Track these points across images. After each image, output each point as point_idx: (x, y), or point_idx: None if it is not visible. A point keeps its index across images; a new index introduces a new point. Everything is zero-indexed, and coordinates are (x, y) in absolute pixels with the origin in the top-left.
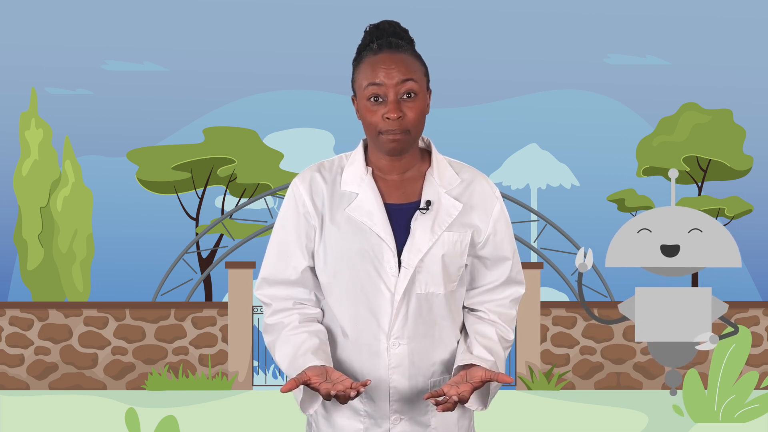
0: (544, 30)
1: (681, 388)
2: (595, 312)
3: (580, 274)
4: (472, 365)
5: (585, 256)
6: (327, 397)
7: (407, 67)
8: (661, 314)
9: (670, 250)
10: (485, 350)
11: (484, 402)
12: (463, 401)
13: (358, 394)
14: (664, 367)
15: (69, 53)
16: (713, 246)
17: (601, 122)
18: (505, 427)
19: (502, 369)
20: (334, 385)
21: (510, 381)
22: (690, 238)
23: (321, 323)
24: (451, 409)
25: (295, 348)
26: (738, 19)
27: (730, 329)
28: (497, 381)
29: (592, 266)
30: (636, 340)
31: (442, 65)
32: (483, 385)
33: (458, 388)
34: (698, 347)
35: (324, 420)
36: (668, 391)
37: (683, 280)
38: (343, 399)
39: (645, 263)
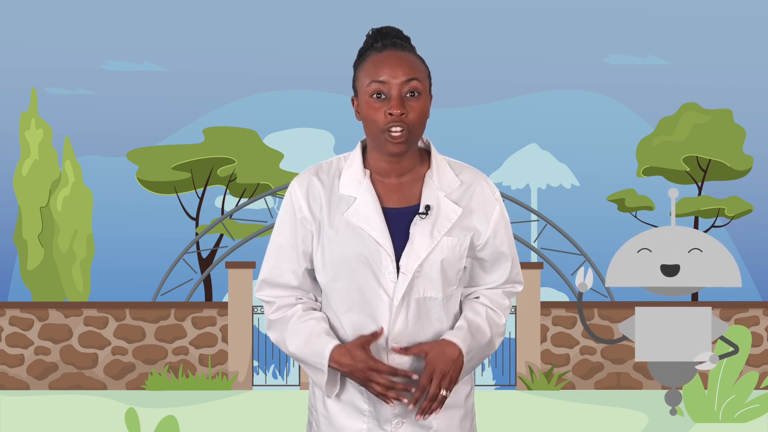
0: (544, 30)
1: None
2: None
3: (580, 294)
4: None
5: (585, 276)
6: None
7: (412, 66)
8: (661, 334)
9: (670, 270)
10: (464, 320)
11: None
12: (424, 388)
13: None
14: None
15: (69, 53)
16: (713, 265)
17: (601, 122)
18: (505, 427)
19: (482, 341)
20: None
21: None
22: (690, 258)
23: (323, 312)
24: (436, 403)
25: (306, 335)
26: (738, 19)
27: (729, 349)
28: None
29: (593, 271)
30: (636, 360)
31: (442, 65)
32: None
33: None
34: (698, 367)
35: (325, 420)
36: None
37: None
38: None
39: (645, 283)
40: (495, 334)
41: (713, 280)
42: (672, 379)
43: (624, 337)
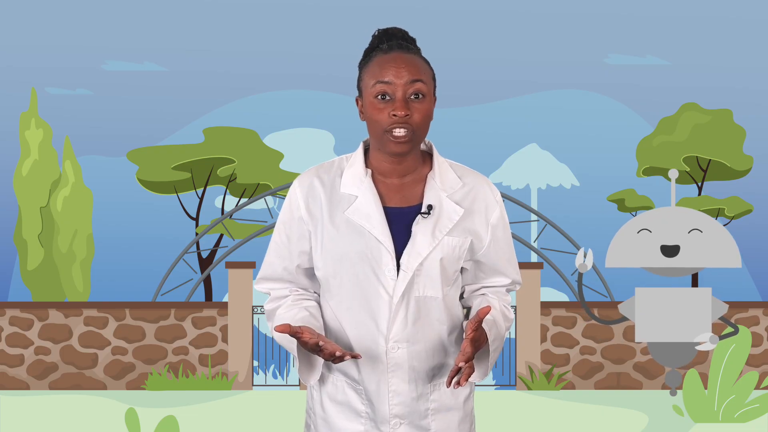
0: (544, 30)
1: (681, 388)
2: (595, 312)
3: (580, 275)
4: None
5: (585, 257)
6: (314, 347)
7: (417, 68)
8: (661, 314)
9: (670, 251)
10: (489, 316)
11: (484, 370)
12: (468, 358)
13: (341, 359)
14: (664, 367)
15: (69, 53)
16: (713, 246)
17: (601, 122)
18: (505, 427)
19: (501, 332)
20: (324, 343)
21: (488, 310)
22: (690, 239)
23: (317, 302)
24: (468, 378)
25: (289, 321)
26: (738, 19)
27: (729, 329)
28: (480, 320)
29: (593, 266)
30: (636, 341)
31: (442, 65)
32: (475, 334)
33: (455, 366)
34: (698, 347)
35: (323, 422)
36: (668, 391)
37: (683, 279)
38: (327, 356)
39: (645, 264)
40: (506, 328)
41: (713, 261)
42: (672, 359)
43: (624, 318)
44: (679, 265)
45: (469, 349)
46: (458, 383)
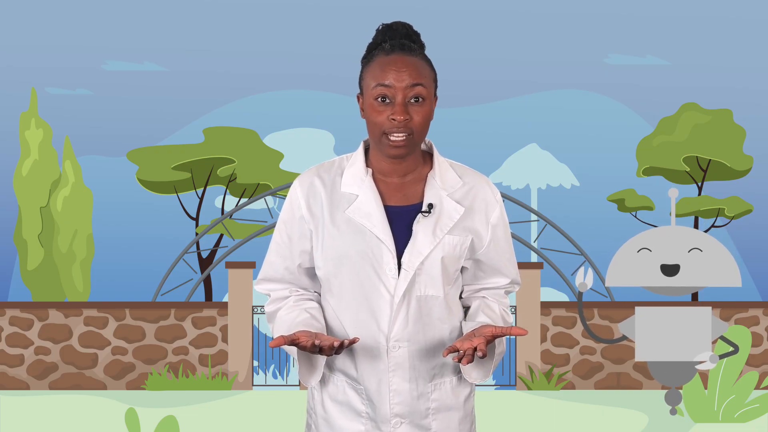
0: (544, 30)
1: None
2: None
3: (580, 294)
4: (480, 325)
5: (585, 276)
6: (312, 348)
7: (418, 72)
8: (661, 333)
9: (670, 270)
10: (489, 319)
11: (486, 371)
12: (482, 354)
13: (342, 347)
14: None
15: (69, 53)
16: (713, 265)
17: (601, 122)
18: (505, 427)
19: (502, 345)
20: (320, 342)
21: (524, 333)
22: (690, 258)
23: (317, 303)
24: (472, 360)
25: (289, 323)
26: (738, 19)
27: (728, 348)
28: (509, 335)
29: (593, 271)
30: (636, 360)
31: (442, 65)
32: (494, 340)
33: (471, 341)
34: (698, 367)
35: (324, 422)
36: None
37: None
38: (327, 350)
39: (645, 283)
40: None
41: (713, 280)
42: (672, 378)
43: (624, 337)
44: (679, 285)
45: (483, 346)
46: (459, 359)
